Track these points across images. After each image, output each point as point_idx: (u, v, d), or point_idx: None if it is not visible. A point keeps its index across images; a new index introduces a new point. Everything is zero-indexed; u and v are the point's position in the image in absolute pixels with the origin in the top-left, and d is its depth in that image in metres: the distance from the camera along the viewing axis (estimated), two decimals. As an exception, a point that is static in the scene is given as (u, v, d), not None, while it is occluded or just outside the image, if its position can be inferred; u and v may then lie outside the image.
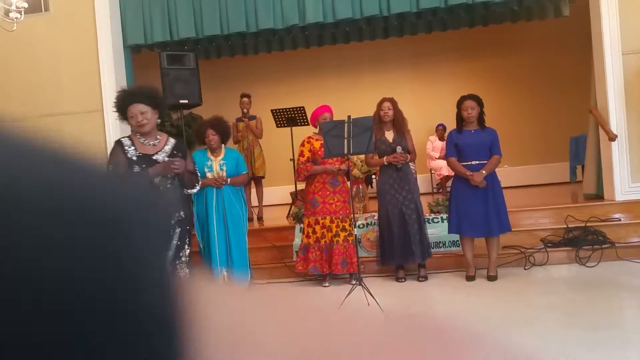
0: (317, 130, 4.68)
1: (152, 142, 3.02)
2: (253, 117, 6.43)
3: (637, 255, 4.66)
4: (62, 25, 5.62)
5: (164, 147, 3.06)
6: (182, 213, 3.02)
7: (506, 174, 4.52)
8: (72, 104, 5.61)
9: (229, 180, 4.44)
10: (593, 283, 4.12)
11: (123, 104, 2.96)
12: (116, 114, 3.07)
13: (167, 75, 5.49)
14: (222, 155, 4.53)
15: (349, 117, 3.97)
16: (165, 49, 5.75)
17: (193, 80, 5.61)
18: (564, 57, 7.99)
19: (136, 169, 2.93)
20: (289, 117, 6.53)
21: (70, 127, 5.62)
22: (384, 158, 4.47)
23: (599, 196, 5.52)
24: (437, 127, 8.05)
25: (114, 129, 5.57)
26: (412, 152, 4.56)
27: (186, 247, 3.08)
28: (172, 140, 3.12)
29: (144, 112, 2.89)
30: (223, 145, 4.59)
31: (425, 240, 4.52)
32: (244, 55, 7.79)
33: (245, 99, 6.47)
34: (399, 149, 4.44)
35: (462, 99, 4.41)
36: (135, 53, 6.20)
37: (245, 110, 6.42)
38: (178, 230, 3.02)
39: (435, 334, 0.21)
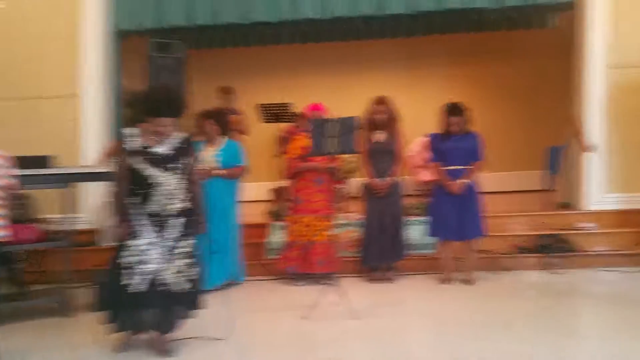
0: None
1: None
2: (235, 112, 6.32)
3: (605, 264, 4.79)
4: (46, 6, 5.50)
5: (167, 142, 2.99)
6: (186, 204, 2.98)
7: (485, 180, 4.60)
8: (50, 88, 5.50)
9: (220, 172, 4.39)
10: (561, 290, 4.22)
11: (155, 111, 2.90)
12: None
13: (154, 62, 5.42)
14: (218, 147, 4.51)
15: (335, 116, 4.01)
16: (155, 37, 5.65)
17: (179, 70, 5.53)
18: (552, 67, 8.04)
19: (135, 160, 2.92)
20: (274, 113, 6.50)
21: (47, 111, 5.51)
22: (372, 180, 4.51)
23: (572, 205, 5.63)
24: (425, 135, 8.03)
25: (92, 115, 5.50)
26: (399, 156, 4.59)
27: (190, 237, 3.01)
28: (179, 137, 3.02)
29: (168, 126, 2.94)
30: (226, 137, 4.57)
31: (399, 243, 4.57)
32: (236, 47, 7.71)
33: (229, 95, 6.28)
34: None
35: (448, 113, 4.42)
36: (124, 39, 6.09)
37: (228, 104, 6.26)
38: (182, 219, 2.97)
39: None
